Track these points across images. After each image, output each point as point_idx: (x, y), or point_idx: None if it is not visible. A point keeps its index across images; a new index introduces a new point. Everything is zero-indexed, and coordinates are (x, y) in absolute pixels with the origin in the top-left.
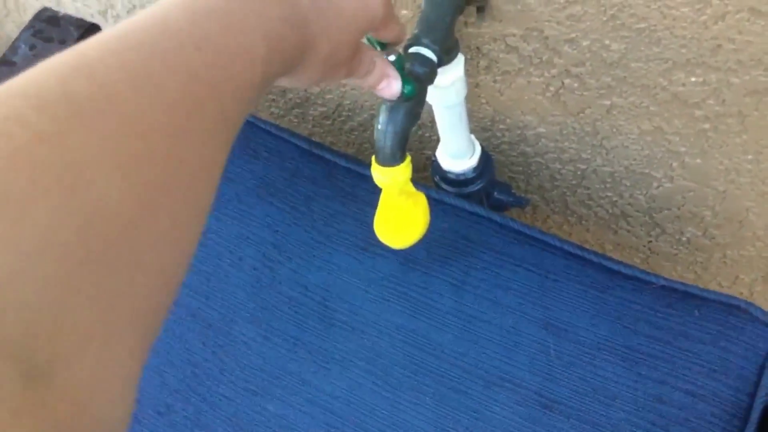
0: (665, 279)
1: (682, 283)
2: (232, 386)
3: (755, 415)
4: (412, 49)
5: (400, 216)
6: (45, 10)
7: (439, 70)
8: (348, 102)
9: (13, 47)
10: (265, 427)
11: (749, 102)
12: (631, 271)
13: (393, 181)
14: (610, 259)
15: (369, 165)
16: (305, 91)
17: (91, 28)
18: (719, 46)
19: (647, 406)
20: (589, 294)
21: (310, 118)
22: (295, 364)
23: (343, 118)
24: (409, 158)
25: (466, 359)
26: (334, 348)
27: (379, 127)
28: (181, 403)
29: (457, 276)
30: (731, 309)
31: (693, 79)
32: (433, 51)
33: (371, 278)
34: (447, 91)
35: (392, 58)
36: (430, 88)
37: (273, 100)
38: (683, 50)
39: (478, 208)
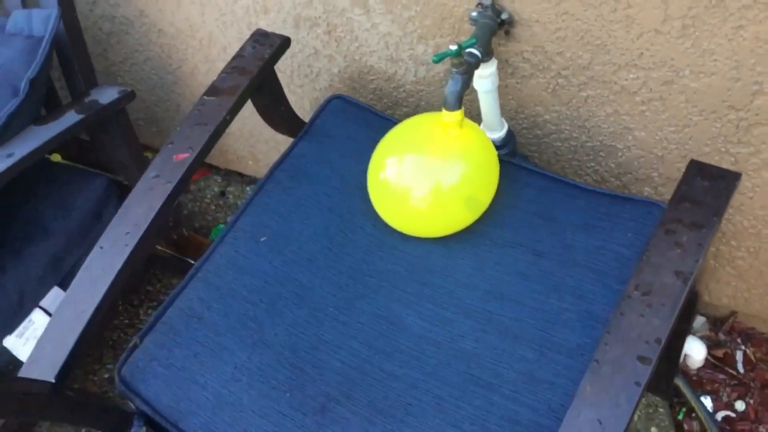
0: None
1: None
2: None
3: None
4: (468, 49)
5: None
6: None
7: (482, 65)
8: (423, 104)
9: None
10: None
11: (664, 89)
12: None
13: (455, 119)
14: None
15: None
16: (394, 95)
17: None
18: (641, 53)
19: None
20: (574, 195)
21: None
22: None
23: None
24: (462, 108)
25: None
26: None
27: (446, 89)
28: None
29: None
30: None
31: (631, 75)
32: (479, 51)
33: None
34: (486, 81)
35: (453, 46)
36: (477, 80)
37: (371, 102)
38: (623, 56)
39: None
